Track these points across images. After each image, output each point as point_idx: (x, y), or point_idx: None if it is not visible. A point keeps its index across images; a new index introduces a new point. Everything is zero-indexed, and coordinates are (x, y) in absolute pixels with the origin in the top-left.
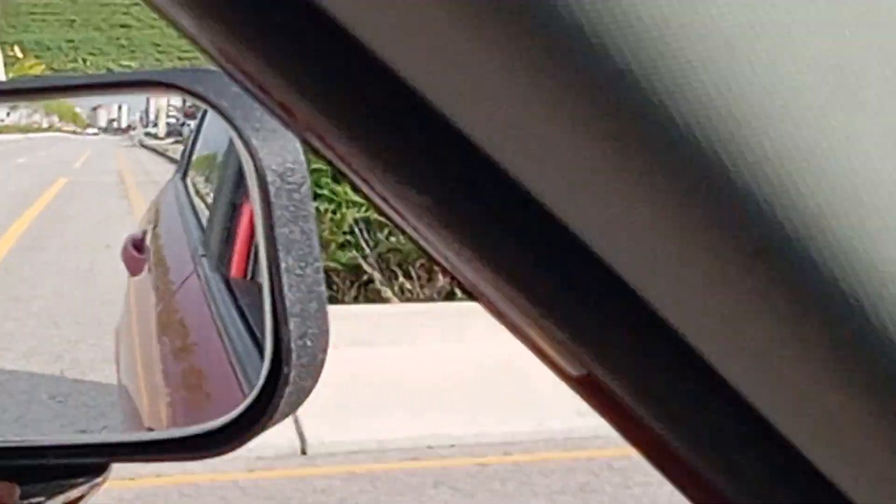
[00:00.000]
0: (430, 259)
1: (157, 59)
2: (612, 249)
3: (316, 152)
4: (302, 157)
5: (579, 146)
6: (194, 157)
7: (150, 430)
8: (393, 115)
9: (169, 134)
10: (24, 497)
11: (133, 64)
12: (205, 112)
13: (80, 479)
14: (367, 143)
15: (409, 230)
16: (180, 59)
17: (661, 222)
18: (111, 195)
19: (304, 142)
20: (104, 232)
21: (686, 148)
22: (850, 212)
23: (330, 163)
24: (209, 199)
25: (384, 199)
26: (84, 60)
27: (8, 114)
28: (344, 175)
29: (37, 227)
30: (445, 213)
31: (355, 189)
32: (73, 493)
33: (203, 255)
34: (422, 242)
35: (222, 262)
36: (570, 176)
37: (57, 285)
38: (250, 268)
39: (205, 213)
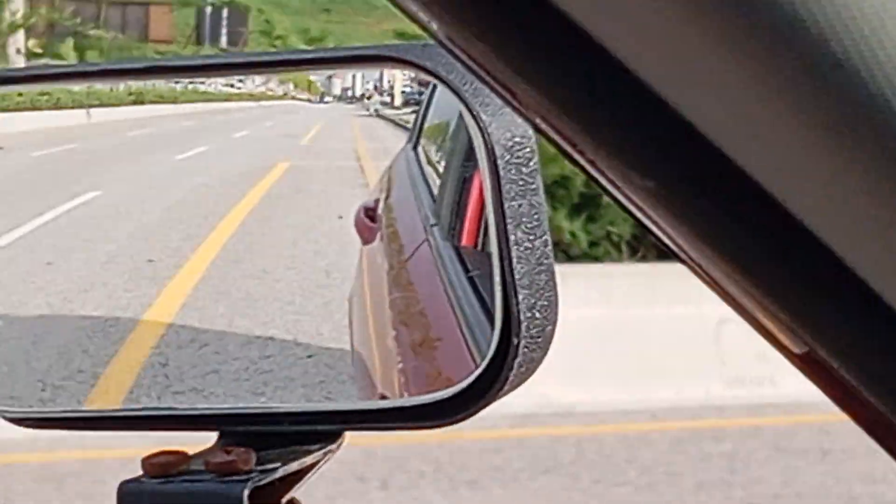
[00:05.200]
0: (654, 237)
1: None
2: (831, 232)
3: (541, 132)
4: (531, 132)
5: (800, 134)
6: (425, 127)
7: (383, 397)
8: (618, 101)
9: (405, 103)
10: (259, 463)
11: None
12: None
13: (315, 446)
14: (593, 128)
15: (631, 208)
16: None
17: (885, 210)
18: (343, 175)
19: (529, 122)
20: (336, 204)
21: None
22: None
23: (555, 143)
24: (440, 169)
25: (609, 181)
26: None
27: (241, 81)
28: (567, 155)
29: (253, 219)
30: (668, 195)
31: (581, 169)
32: (308, 460)
33: (434, 225)
34: (644, 221)
35: (453, 231)
36: (790, 163)
37: (287, 256)
38: (480, 237)
39: (435, 183)
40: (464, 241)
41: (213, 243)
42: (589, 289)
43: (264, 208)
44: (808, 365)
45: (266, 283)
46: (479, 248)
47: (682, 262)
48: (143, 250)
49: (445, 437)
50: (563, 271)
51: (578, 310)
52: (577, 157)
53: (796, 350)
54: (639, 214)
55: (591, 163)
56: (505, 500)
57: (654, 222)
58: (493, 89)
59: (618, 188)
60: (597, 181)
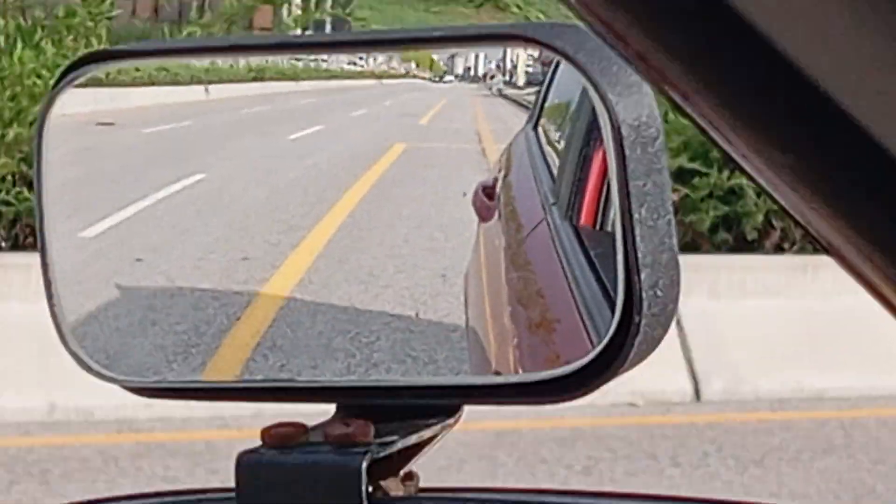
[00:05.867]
0: (786, 213)
1: None
2: None
3: (676, 106)
4: (656, 112)
5: None
6: (546, 107)
7: (497, 373)
8: (756, 74)
9: (528, 83)
10: (378, 435)
11: None
12: (557, 63)
13: (433, 420)
14: (732, 102)
15: (767, 186)
16: None
17: None
18: (464, 158)
19: (663, 93)
20: (455, 189)
21: None
22: None
23: (688, 116)
24: (560, 148)
25: (744, 156)
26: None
27: (363, 59)
28: (700, 128)
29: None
30: (807, 171)
31: (712, 142)
32: (426, 434)
33: (553, 204)
34: (778, 198)
35: (571, 210)
36: None
37: (398, 255)
38: (599, 217)
39: (555, 162)
40: (582, 221)
41: (316, 237)
42: (837, 279)
43: (376, 197)
44: None
45: (372, 289)
46: (598, 227)
47: (821, 247)
48: (240, 244)
49: (712, 418)
50: (814, 262)
51: (828, 300)
52: (714, 134)
53: None
54: (773, 192)
55: (729, 140)
56: (794, 479)
57: (789, 200)
58: (620, 54)
59: (757, 167)
60: (730, 155)
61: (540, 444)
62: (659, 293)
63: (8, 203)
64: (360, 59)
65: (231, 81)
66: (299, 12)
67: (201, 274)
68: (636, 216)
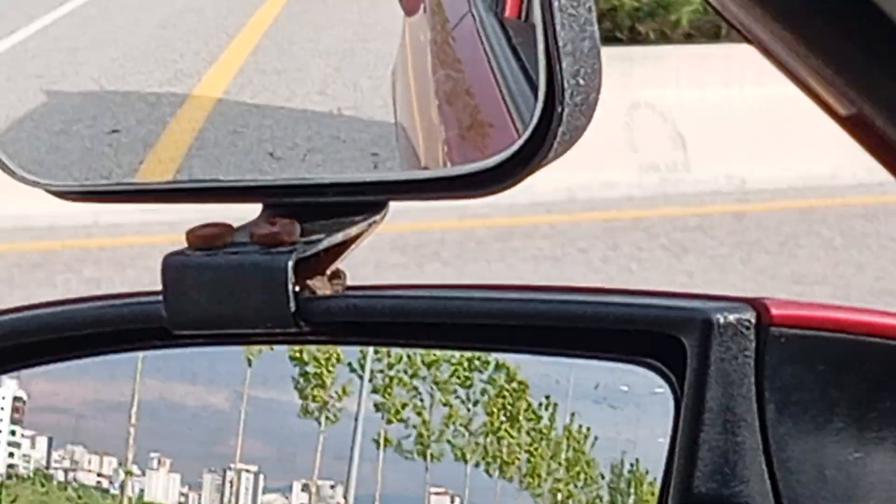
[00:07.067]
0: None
1: None
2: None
3: None
4: None
5: None
6: None
7: (426, 168)
8: None
9: None
10: (303, 234)
11: None
12: None
13: (359, 217)
14: None
15: None
16: None
17: None
18: None
19: None
20: None
21: None
22: None
23: None
24: None
25: None
26: None
27: None
28: None
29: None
30: None
31: None
32: (352, 231)
33: None
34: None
35: (497, 1)
36: None
37: (333, 33)
38: (524, 7)
39: None
40: (508, 10)
41: (244, 40)
42: None
43: None
44: (855, 127)
45: (299, 87)
46: (524, 18)
47: (730, 24)
48: (168, 51)
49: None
50: None
51: None
52: None
53: (843, 112)
54: None
55: None
56: None
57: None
58: None
59: None
60: None
61: None
62: (581, 82)
63: None
64: None
65: None
66: None
67: (130, 80)
68: (556, 4)
